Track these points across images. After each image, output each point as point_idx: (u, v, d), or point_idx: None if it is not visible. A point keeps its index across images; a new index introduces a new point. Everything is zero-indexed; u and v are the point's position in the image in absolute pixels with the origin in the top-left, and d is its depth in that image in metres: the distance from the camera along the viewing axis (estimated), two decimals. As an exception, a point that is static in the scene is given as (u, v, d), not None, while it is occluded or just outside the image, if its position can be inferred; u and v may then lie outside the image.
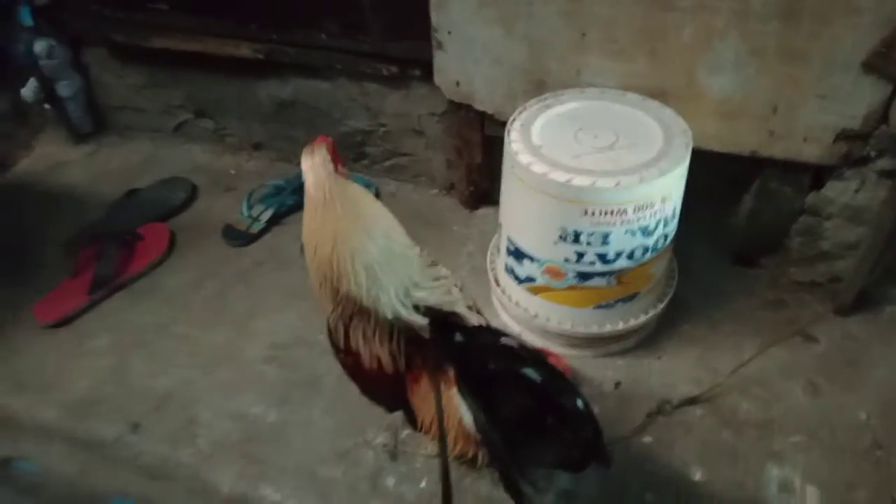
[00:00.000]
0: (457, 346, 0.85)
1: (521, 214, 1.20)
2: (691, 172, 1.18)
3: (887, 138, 1.13)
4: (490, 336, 0.87)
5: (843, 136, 1.15)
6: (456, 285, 0.95)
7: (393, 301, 0.87)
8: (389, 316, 0.87)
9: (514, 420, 0.79)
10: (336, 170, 0.87)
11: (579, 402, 0.80)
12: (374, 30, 1.47)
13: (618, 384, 1.25)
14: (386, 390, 0.94)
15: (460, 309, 0.93)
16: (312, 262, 0.89)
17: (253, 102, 1.76)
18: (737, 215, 1.40)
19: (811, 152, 1.19)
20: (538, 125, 1.20)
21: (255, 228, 1.63)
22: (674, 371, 1.26)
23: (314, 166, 0.86)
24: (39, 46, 1.77)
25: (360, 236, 0.86)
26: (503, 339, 0.85)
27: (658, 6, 1.15)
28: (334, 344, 0.92)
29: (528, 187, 1.13)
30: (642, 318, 1.25)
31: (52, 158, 1.94)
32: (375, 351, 0.88)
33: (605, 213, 1.08)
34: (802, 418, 1.17)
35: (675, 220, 1.18)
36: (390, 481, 1.13)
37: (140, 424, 1.24)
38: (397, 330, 0.88)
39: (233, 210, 1.67)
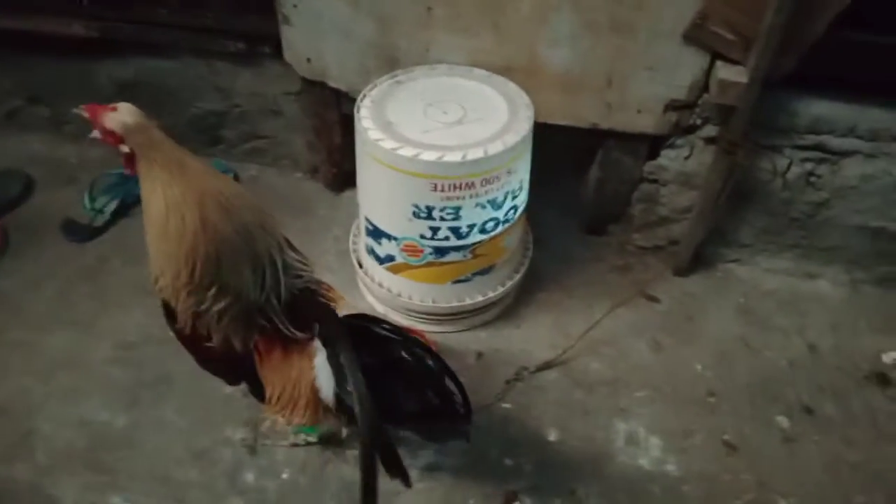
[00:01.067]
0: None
1: (375, 193, 1.19)
2: (541, 146, 1.22)
3: (710, 106, 1.21)
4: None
5: (672, 106, 1.23)
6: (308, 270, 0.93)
7: (255, 290, 0.83)
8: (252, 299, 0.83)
9: (374, 371, 0.79)
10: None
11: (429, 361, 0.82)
12: (215, 3, 1.39)
13: (480, 355, 1.28)
14: (231, 365, 0.91)
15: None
16: (167, 242, 0.82)
17: (92, 85, 1.62)
18: (586, 186, 1.47)
19: (645, 123, 1.27)
20: (389, 101, 1.19)
21: (100, 221, 1.51)
22: (531, 338, 1.31)
23: (119, 114, 0.79)
24: None
25: (224, 224, 0.80)
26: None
27: (496, -19, 1.17)
28: (170, 317, 0.87)
29: (379, 164, 1.12)
30: (500, 290, 1.28)
31: None
32: (226, 333, 0.85)
33: (454, 188, 1.09)
34: (647, 374, 1.26)
35: (524, 192, 1.22)
36: (250, 476, 1.10)
37: (-31, 442, 1.13)
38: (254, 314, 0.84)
39: (74, 203, 1.54)
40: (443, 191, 1.09)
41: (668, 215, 1.40)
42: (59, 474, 1.10)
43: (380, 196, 1.18)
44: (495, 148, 1.08)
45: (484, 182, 1.10)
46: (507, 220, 1.19)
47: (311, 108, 1.48)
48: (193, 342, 0.89)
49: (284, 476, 1.10)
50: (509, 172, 1.12)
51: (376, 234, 1.22)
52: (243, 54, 1.46)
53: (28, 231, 1.51)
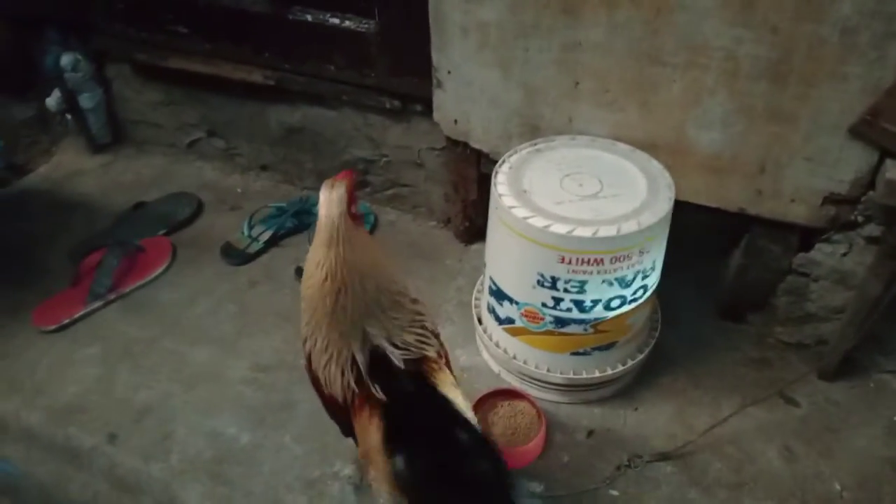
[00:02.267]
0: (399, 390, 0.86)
1: (502, 256, 1.21)
2: (682, 224, 1.18)
3: (874, 205, 1.11)
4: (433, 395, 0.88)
5: (831, 199, 1.15)
6: (431, 330, 0.96)
7: (359, 340, 0.88)
8: (356, 353, 0.88)
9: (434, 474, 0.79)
10: (349, 210, 0.87)
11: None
12: (379, 65, 1.51)
13: (591, 433, 1.24)
14: (336, 413, 0.96)
15: (428, 352, 0.94)
16: (306, 289, 0.91)
17: (263, 126, 1.81)
18: (726, 269, 1.39)
19: (798, 213, 1.19)
20: (526, 169, 1.21)
21: (254, 248, 1.66)
22: (649, 424, 1.25)
23: (329, 202, 0.86)
24: (66, 60, 1.85)
25: (353, 278, 0.87)
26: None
27: (650, 60, 1.17)
28: (306, 357, 0.94)
29: (509, 230, 1.14)
30: (619, 368, 1.24)
31: (70, 167, 2.01)
32: (333, 379, 0.90)
33: (582, 262, 1.08)
34: (774, 483, 1.15)
35: (656, 273, 1.18)
36: (352, 513, 1.14)
37: (117, 435, 1.27)
38: (357, 364, 0.89)
39: (235, 229, 1.71)
40: (570, 263, 1.09)
41: (817, 312, 1.29)
42: (187, 479, 1.20)
43: (506, 259, 1.20)
44: (629, 227, 1.06)
45: (613, 260, 1.08)
46: (634, 300, 1.16)
47: (452, 164, 1.54)
48: (313, 382, 0.95)
49: (384, 520, 1.13)
50: (642, 252, 1.10)
51: (499, 295, 1.24)
52: (397, 111, 1.56)
53: (193, 249, 1.69)
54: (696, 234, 1.38)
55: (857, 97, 1.04)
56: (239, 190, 1.90)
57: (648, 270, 1.14)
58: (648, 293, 1.18)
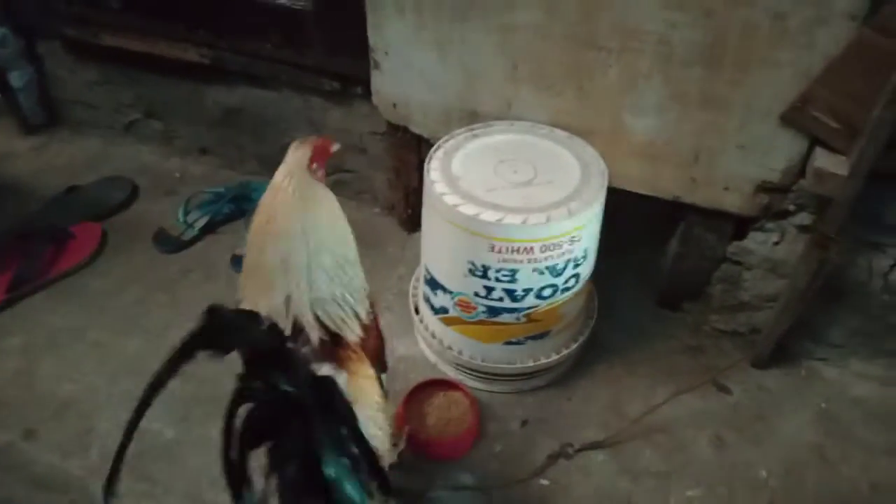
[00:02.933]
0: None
1: (435, 244, 1.18)
2: (620, 212, 1.16)
3: (805, 193, 1.11)
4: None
5: (763, 187, 1.14)
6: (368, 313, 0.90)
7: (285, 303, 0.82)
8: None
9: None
10: (310, 165, 0.84)
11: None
12: (316, 44, 1.45)
13: (524, 422, 1.23)
14: None
15: (348, 335, 0.89)
16: (250, 238, 0.85)
17: (201, 107, 1.74)
18: (664, 257, 1.39)
19: (732, 202, 1.18)
20: (460, 155, 1.18)
21: (188, 235, 1.60)
22: (582, 413, 1.24)
23: (293, 155, 0.84)
24: (-9, 35, 1.75)
25: (295, 226, 0.82)
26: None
27: (586, 44, 1.14)
28: None
29: (441, 217, 1.11)
30: (553, 357, 1.23)
31: (0, 148, 1.92)
32: None
33: (512, 251, 1.06)
34: (703, 471, 1.15)
35: (589, 262, 1.17)
36: (277, 508, 1.10)
37: (35, 431, 1.22)
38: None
39: (170, 214, 1.65)
40: (500, 252, 1.07)
41: (751, 301, 1.29)
42: (106, 475, 1.15)
43: (439, 247, 1.17)
44: (559, 215, 1.05)
45: (544, 248, 1.06)
46: (566, 289, 1.14)
47: (393, 149, 1.50)
48: None
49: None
50: (573, 241, 1.08)
51: (433, 284, 1.21)
52: (337, 93, 1.51)
53: (124, 236, 1.63)
54: (635, 221, 1.37)
55: (789, 84, 1.03)
56: (177, 174, 1.83)
57: (580, 259, 1.13)
58: (581, 282, 1.17)
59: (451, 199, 1.08)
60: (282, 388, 0.71)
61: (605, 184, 1.11)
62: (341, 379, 0.82)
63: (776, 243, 1.20)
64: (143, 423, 1.23)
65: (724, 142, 1.13)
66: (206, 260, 1.57)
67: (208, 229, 1.63)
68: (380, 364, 0.93)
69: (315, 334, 0.83)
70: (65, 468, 1.16)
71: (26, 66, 1.84)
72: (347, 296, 0.87)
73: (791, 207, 1.15)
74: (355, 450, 0.73)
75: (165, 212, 1.67)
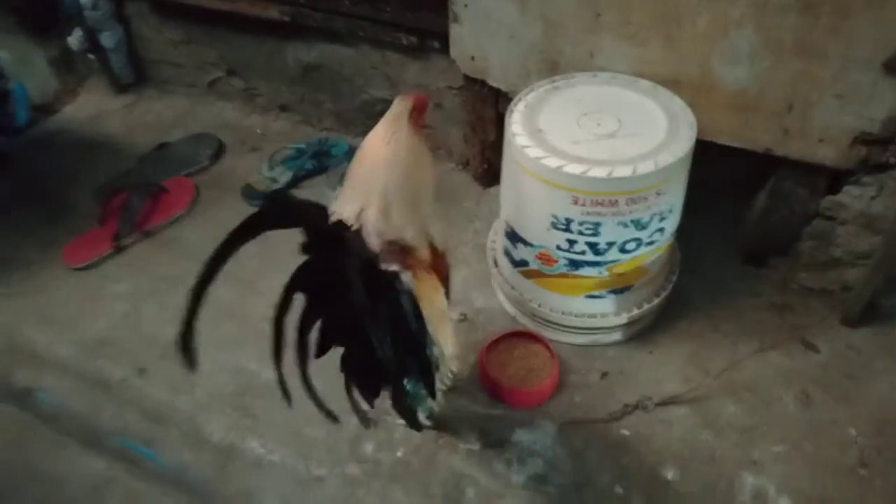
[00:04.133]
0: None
1: (517, 198, 1.19)
2: (705, 165, 1.14)
3: (909, 145, 1.06)
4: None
5: (861, 139, 1.09)
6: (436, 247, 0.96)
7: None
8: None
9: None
10: (411, 118, 0.94)
11: None
12: (394, -1, 1.46)
13: (604, 374, 1.24)
14: None
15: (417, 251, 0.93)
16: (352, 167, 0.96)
17: (280, 64, 1.78)
18: (750, 212, 1.35)
19: (827, 154, 1.13)
20: (543, 108, 1.18)
21: (274, 190, 1.67)
22: (663, 367, 1.25)
23: (394, 111, 0.94)
24: (85, -2, 1.84)
25: (398, 159, 0.92)
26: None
27: (675, -10, 1.10)
28: None
29: (523, 171, 1.12)
30: (635, 312, 1.23)
31: (94, 107, 2.03)
32: None
33: (596, 203, 1.06)
34: (788, 427, 1.14)
35: (675, 215, 1.15)
36: (369, 447, 1.17)
37: (146, 369, 1.32)
38: None
39: (255, 170, 1.72)
40: (584, 205, 1.07)
41: (843, 257, 1.25)
42: (212, 411, 1.25)
43: (520, 201, 1.18)
44: (645, 167, 1.03)
45: (629, 202, 1.06)
46: (651, 243, 1.13)
47: (470, 103, 1.51)
48: None
49: (399, 454, 1.16)
50: (658, 194, 1.07)
51: (513, 237, 1.23)
52: (414, 48, 1.52)
53: (214, 190, 1.71)
54: (722, 174, 1.34)
55: (893, 29, 0.97)
56: (259, 131, 1.89)
57: (666, 213, 1.11)
58: (666, 236, 1.16)
59: (533, 152, 1.08)
60: (340, 269, 0.83)
61: (694, 135, 1.09)
62: (406, 277, 0.90)
63: (873, 198, 1.15)
64: (243, 363, 1.33)
65: (820, 91, 1.08)
66: (290, 213, 1.63)
67: (292, 184, 1.69)
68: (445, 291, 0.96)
69: (381, 240, 0.90)
70: (174, 403, 1.26)
71: (116, 26, 1.92)
72: (419, 227, 0.94)
73: (891, 160, 1.10)
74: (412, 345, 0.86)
75: (250, 167, 1.74)
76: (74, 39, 1.94)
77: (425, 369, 0.94)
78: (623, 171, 1.03)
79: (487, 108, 1.47)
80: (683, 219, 1.20)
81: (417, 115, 0.95)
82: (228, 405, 1.26)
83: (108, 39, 1.93)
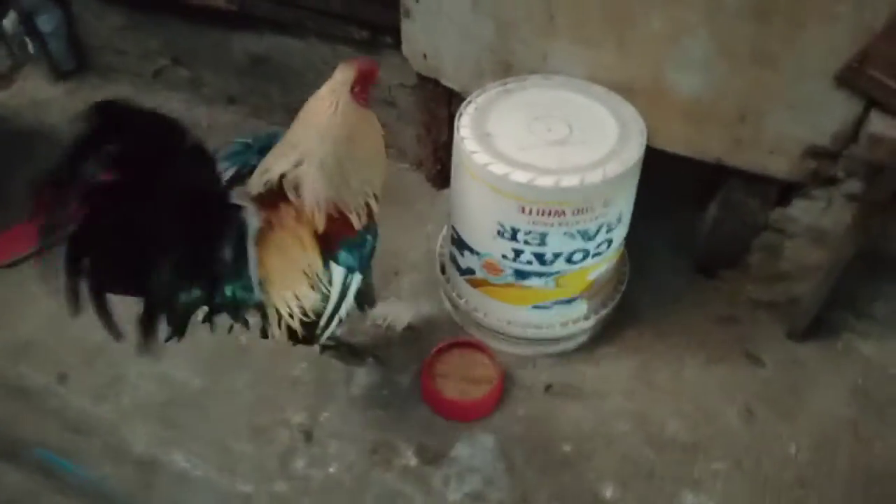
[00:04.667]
0: None
1: (464, 203, 1.15)
2: (659, 174, 1.11)
3: (856, 160, 1.04)
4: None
5: (812, 152, 1.07)
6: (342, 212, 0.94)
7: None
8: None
9: None
10: (352, 91, 0.91)
11: None
12: (345, -10, 1.40)
13: (549, 387, 1.21)
14: None
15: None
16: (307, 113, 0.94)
17: (228, 55, 1.71)
18: (702, 222, 1.33)
19: (778, 166, 1.12)
20: (493, 111, 1.14)
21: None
22: (609, 380, 1.22)
23: (336, 78, 0.92)
24: (17, -23, 1.73)
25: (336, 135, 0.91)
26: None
27: (628, -8, 1.07)
28: None
29: (471, 176, 1.08)
30: (581, 324, 1.20)
31: (32, 94, 1.92)
32: None
33: (543, 213, 1.03)
34: (730, 444, 1.13)
35: (623, 226, 1.12)
36: (300, 463, 1.12)
37: (68, 376, 1.24)
38: None
39: (198, 165, 1.64)
40: (530, 214, 1.03)
41: (791, 271, 1.24)
42: (136, 421, 1.18)
43: (467, 207, 1.14)
44: (593, 178, 1.00)
45: (576, 211, 1.02)
46: (597, 254, 1.10)
47: (423, 103, 1.46)
48: None
49: (331, 470, 1.11)
50: (606, 204, 1.04)
51: (460, 244, 1.18)
52: (366, 42, 1.46)
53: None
54: (674, 184, 1.31)
55: (846, 40, 0.96)
56: (205, 124, 1.81)
57: (614, 223, 1.08)
58: (614, 247, 1.13)
59: (480, 158, 1.04)
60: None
61: (644, 143, 1.06)
62: (255, 218, 0.94)
63: (822, 211, 1.14)
64: (171, 372, 1.26)
65: (772, 101, 1.06)
66: (233, 212, 1.56)
67: (237, 180, 1.61)
68: (329, 248, 0.94)
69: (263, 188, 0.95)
70: (96, 412, 1.19)
71: (53, 9, 1.82)
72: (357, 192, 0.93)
73: (840, 174, 1.08)
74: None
75: (194, 162, 1.66)
76: (8, 22, 1.84)
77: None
78: (571, 181, 0.99)
79: (441, 107, 1.43)
80: (636, 225, 1.17)
81: (362, 86, 0.92)
82: (154, 415, 1.19)
83: (45, 23, 1.83)
